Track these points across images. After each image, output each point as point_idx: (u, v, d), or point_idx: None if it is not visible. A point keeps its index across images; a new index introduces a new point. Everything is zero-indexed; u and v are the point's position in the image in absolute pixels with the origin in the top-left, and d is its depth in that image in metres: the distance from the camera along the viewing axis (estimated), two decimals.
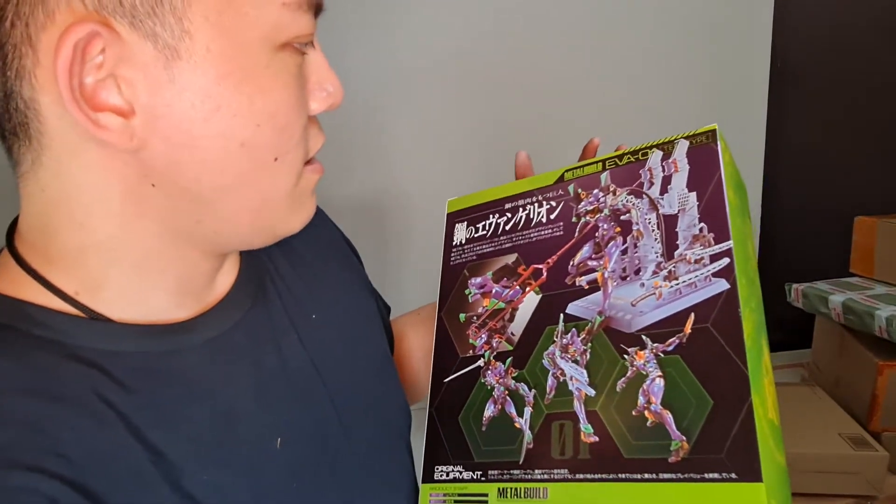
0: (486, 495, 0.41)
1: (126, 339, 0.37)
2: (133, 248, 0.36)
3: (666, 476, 0.35)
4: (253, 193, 0.36)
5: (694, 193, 0.42)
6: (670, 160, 0.44)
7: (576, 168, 0.49)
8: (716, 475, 0.34)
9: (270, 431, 0.41)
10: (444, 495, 0.43)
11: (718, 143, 0.43)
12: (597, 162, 0.48)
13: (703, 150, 0.43)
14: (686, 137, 0.44)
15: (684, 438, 0.35)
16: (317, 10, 0.36)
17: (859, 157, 2.12)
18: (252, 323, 0.43)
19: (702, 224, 0.41)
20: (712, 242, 0.40)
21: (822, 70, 2.07)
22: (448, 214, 0.56)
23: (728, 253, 0.39)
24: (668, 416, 0.36)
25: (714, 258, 0.39)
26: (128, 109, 0.32)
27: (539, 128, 2.01)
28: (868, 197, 2.05)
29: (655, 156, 0.45)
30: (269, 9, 0.33)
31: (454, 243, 0.54)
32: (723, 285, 0.38)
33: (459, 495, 0.42)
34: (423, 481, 0.46)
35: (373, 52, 1.89)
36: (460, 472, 0.43)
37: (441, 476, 0.44)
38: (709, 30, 2.02)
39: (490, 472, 0.42)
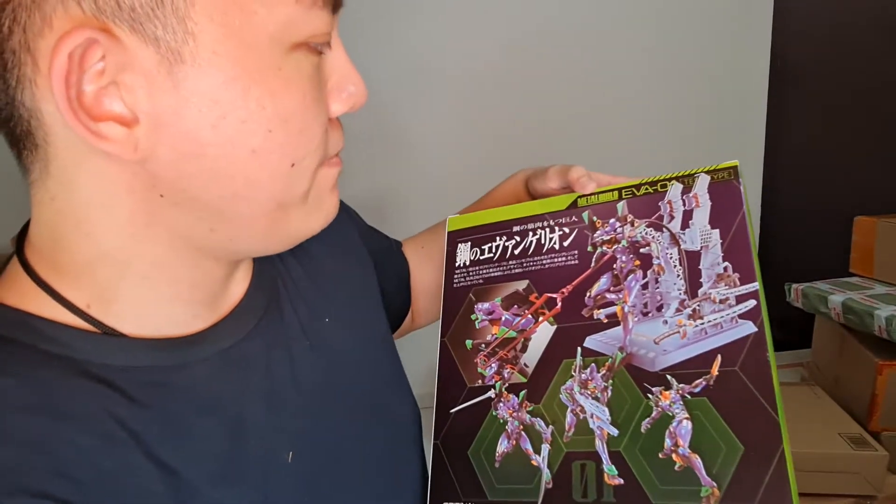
0: None
1: (137, 353, 0.36)
2: (143, 259, 0.35)
3: None
4: (267, 200, 0.34)
5: (717, 231, 0.41)
6: (691, 194, 0.43)
7: (589, 195, 0.48)
8: None
9: (282, 444, 0.40)
10: None
11: (741, 180, 0.43)
12: (612, 190, 0.47)
13: (726, 187, 0.43)
14: (707, 172, 0.44)
15: (715, 485, 0.35)
16: (335, 5, 0.34)
17: (859, 156, 2.12)
18: (264, 331, 0.42)
19: (726, 263, 0.40)
20: (738, 283, 0.39)
21: (822, 70, 2.07)
22: (449, 233, 0.53)
23: (754, 295, 0.38)
24: (698, 461, 0.35)
25: (740, 299, 0.38)
26: (131, 118, 0.30)
27: (541, 128, 2.01)
28: (868, 197, 2.05)
29: (675, 189, 0.44)
30: (281, 7, 0.31)
31: (457, 264, 0.51)
32: (750, 328, 0.37)
33: None
34: None
35: (375, 53, 1.89)
36: None
37: None
38: (709, 31, 2.02)
39: None
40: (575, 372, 0.42)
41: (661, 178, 0.45)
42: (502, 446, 0.42)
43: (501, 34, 1.94)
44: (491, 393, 0.44)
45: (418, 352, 1.99)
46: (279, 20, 0.31)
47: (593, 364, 0.41)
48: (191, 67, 0.30)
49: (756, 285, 0.39)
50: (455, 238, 0.53)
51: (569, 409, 0.41)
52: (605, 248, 0.45)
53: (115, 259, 0.34)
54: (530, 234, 0.49)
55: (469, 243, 0.52)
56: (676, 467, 0.36)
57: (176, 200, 0.33)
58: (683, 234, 0.42)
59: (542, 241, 0.48)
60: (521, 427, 0.42)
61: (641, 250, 0.43)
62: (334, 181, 0.39)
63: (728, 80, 2.04)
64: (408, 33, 1.89)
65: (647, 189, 0.45)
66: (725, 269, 0.40)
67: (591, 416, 0.40)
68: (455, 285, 0.51)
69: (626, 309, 0.42)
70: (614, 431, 0.39)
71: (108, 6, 0.28)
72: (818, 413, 1.60)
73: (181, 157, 0.31)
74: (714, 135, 2.07)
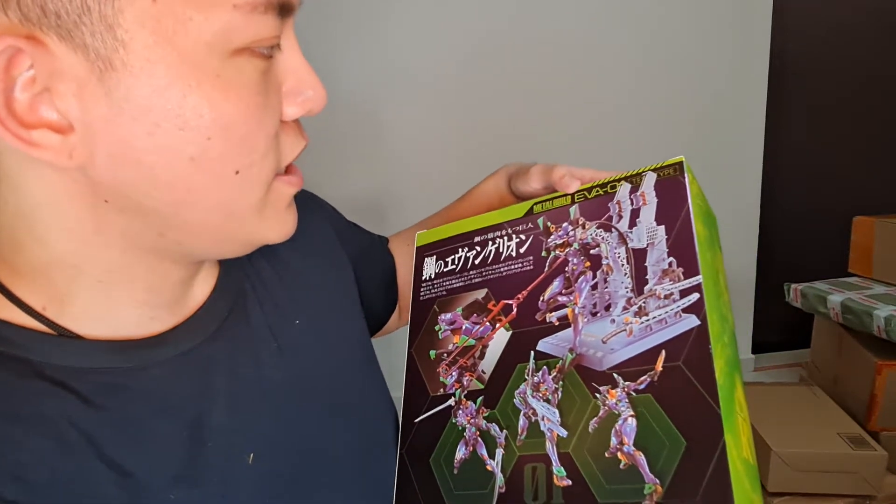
0: None
1: (94, 355, 0.35)
2: (96, 263, 0.34)
3: None
4: (212, 207, 0.34)
5: (663, 227, 0.41)
6: (638, 193, 0.43)
7: (545, 201, 0.48)
8: None
9: (243, 446, 0.40)
10: None
11: (686, 175, 0.42)
12: (566, 195, 0.47)
13: (671, 183, 0.42)
14: (654, 170, 0.43)
15: (657, 481, 0.34)
16: (283, 9, 0.32)
17: (858, 157, 2.12)
18: (228, 333, 0.41)
19: (671, 258, 0.40)
20: (681, 277, 0.39)
21: (821, 70, 2.07)
22: (417, 248, 0.54)
23: (697, 288, 0.38)
24: (642, 458, 0.35)
25: (684, 293, 0.38)
26: (66, 125, 0.29)
27: (539, 128, 2.01)
28: (866, 197, 2.06)
29: (624, 189, 0.44)
30: (218, 12, 0.29)
31: (423, 278, 0.52)
32: (693, 321, 0.37)
33: None
34: None
35: (371, 52, 1.89)
36: None
37: None
38: (708, 31, 2.02)
39: None
40: (528, 375, 0.42)
41: (611, 179, 0.45)
42: (460, 453, 0.42)
43: (500, 33, 1.94)
44: (451, 401, 0.45)
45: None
46: (216, 27, 0.30)
47: (545, 367, 0.41)
48: (122, 75, 0.29)
49: (699, 279, 0.38)
50: (422, 253, 0.54)
51: (521, 413, 0.41)
52: (557, 251, 0.45)
53: (67, 263, 0.34)
54: (490, 243, 0.49)
55: (434, 257, 0.52)
56: (622, 465, 0.36)
57: (121, 206, 0.33)
58: (631, 232, 0.42)
59: (501, 250, 0.48)
60: (478, 433, 0.42)
61: (592, 251, 0.43)
62: (290, 199, 0.39)
63: (727, 79, 2.04)
64: (400, 33, 1.90)
65: (597, 191, 0.45)
66: (670, 264, 0.40)
67: (543, 419, 0.40)
68: (421, 298, 0.51)
69: (576, 311, 0.42)
70: (563, 433, 0.38)
71: (34, 13, 0.27)
72: (817, 413, 1.61)
73: (119, 164, 0.31)
74: (713, 135, 2.07)
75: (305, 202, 0.45)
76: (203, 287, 0.42)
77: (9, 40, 0.27)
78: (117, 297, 0.36)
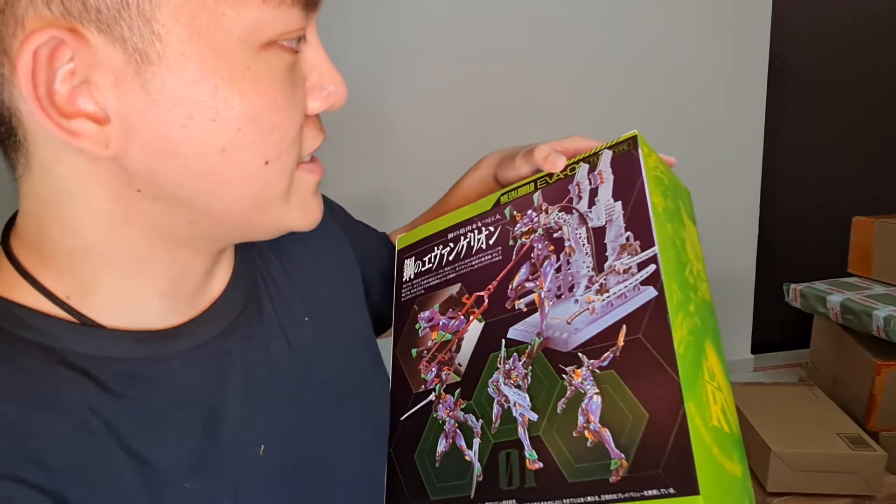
0: None
1: (115, 344, 0.36)
2: (123, 253, 0.35)
3: (608, 497, 0.34)
4: (242, 196, 0.35)
5: (619, 203, 0.41)
6: (596, 172, 0.43)
7: (510, 191, 0.48)
8: (655, 492, 0.32)
9: (254, 438, 0.40)
10: None
11: (640, 149, 0.42)
12: (529, 182, 0.47)
13: (625, 158, 0.42)
14: (609, 147, 0.43)
15: (623, 456, 0.34)
16: (308, 2, 0.33)
17: (857, 157, 2.13)
18: (242, 328, 0.42)
19: (628, 233, 0.40)
20: (639, 250, 0.39)
21: (820, 71, 2.07)
22: (398, 251, 0.55)
23: (654, 259, 0.38)
24: (607, 434, 0.35)
25: (641, 266, 0.38)
26: (103, 116, 0.31)
27: (538, 127, 2.02)
28: (866, 197, 2.06)
29: (582, 169, 0.44)
30: (248, 7, 0.31)
31: (404, 279, 0.53)
32: (650, 293, 0.37)
33: None
34: None
35: (374, 51, 1.89)
36: None
37: None
38: (708, 32, 2.02)
39: None
40: (500, 364, 0.42)
41: (570, 161, 0.46)
42: (441, 446, 0.43)
43: (500, 33, 1.94)
44: (432, 396, 0.45)
45: None
46: (247, 21, 0.31)
47: (515, 353, 0.42)
48: (158, 68, 0.30)
49: (655, 250, 0.38)
50: (402, 255, 0.54)
51: (495, 401, 0.41)
52: (523, 239, 0.45)
53: (95, 252, 0.35)
54: (462, 238, 0.50)
55: (413, 258, 0.53)
56: (588, 444, 0.36)
57: (153, 196, 0.34)
58: (590, 211, 0.42)
59: (472, 244, 0.49)
60: (457, 425, 0.43)
61: (555, 235, 0.43)
62: (315, 186, 0.40)
63: (727, 80, 2.04)
64: (404, 32, 1.90)
65: (558, 175, 0.46)
66: (628, 238, 0.40)
67: (514, 405, 0.40)
68: (402, 299, 0.52)
69: (542, 295, 0.42)
70: (534, 416, 0.39)
71: (76, 7, 0.29)
72: (816, 413, 1.61)
73: (153, 154, 0.32)
74: (713, 135, 2.07)
75: None
76: (220, 281, 0.43)
77: (52, 32, 0.28)
78: (141, 287, 0.37)
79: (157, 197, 0.34)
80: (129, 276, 0.36)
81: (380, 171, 2.00)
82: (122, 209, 0.34)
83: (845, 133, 2.10)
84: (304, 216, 0.39)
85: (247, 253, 0.46)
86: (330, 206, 0.58)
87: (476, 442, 0.41)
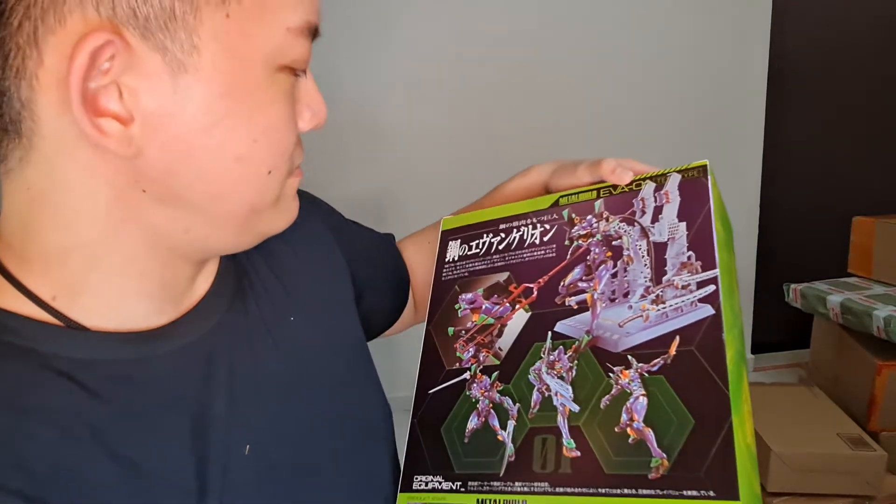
0: None
1: (101, 347, 0.36)
2: (116, 253, 0.36)
3: (645, 492, 0.35)
4: (243, 202, 0.37)
5: (684, 223, 0.43)
6: (662, 191, 0.46)
7: (571, 194, 0.50)
8: (694, 493, 0.34)
9: (240, 438, 0.41)
10: None
11: (709, 178, 0.44)
12: (591, 190, 0.49)
13: (694, 184, 0.45)
14: (679, 171, 0.46)
15: (665, 456, 0.36)
16: (315, 34, 0.37)
17: (857, 157, 2.13)
18: (227, 328, 0.43)
19: (690, 252, 0.42)
20: (699, 270, 0.41)
21: (820, 71, 2.08)
22: (442, 232, 0.57)
23: (714, 280, 0.40)
24: (650, 434, 0.37)
25: (700, 285, 0.40)
26: (127, 117, 0.32)
27: (538, 128, 2.02)
28: (866, 197, 2.06)
29: (648, 187, 0.46)
30: (275, 32, 0.34)
31: (447, 260, 0.54)
32: (708, 310, 0.39)
33: None
34: (401, 490, 0.45)
35: (373, 56, 1.89)
36: (440, 483, 0.43)
37: (420, 486, 0.44)
38: (708, 31, 2.02)
39: (470, 483, 0.42)
40: (544, 354, 0.43)
41: (637, 178, 0.48)
42: (472, 423, 0.44)
43: (499, 34, 1.94)
44: (466, 375, 0.47)
45: (411, 355, 2.00)
46: (272, 44, 0.34)
47: (561, 346, 0.43)
48: (191, 77, 0.32)
49: (716, 272, 0.40)
50: (447, 237, 0.56)
51: (535, 388, 0.42)
52: (580, 241, 0.47)
53: (88, 251, 0.35)
54: (514, 230, 0.52)
55: (459, 241, 0.55)
56: (630, 440, 0.37)
57: (158, 197, 0.35)
58: (653, 227, 0.45)
59: (525, 237, 0.50)
60: (491, 405, 0.44)
61: (613, 242, 0.45)
62: (295, 190, 0.43)
63: (726, 80, 2.04)
64: (402, 36, 1.90)
65: (623, 188, 0.48)
66: (689, 258, 0.42)
67: (556, 394, 0.41)
68: (443, 279, 0.53)
69: (595, 296, 0.44)
70: (575, 408, 0.40)
71: (125, 13, 0.30)
72: (817, 413, 1.61)
73: (171, 156, 0.33)
74: (713, 135, 2.07)
75: (300, 202, 0.46)
76: (204, 282, 0.43)
77: (107, 35, 0.30)
78: (129, 288, 0.37)
79: (162, 198, 0.35)
80: (120, 276, 0.37)
81: (377, 175, 1.99)
82: (123, 208, 0.34)
83: (845, 133, 2.10)
84: (284, 217, 0.42)
85: (232, 255, 0.46)
86: (316, 205, 0.59)
87: (511, 424, 0.42)
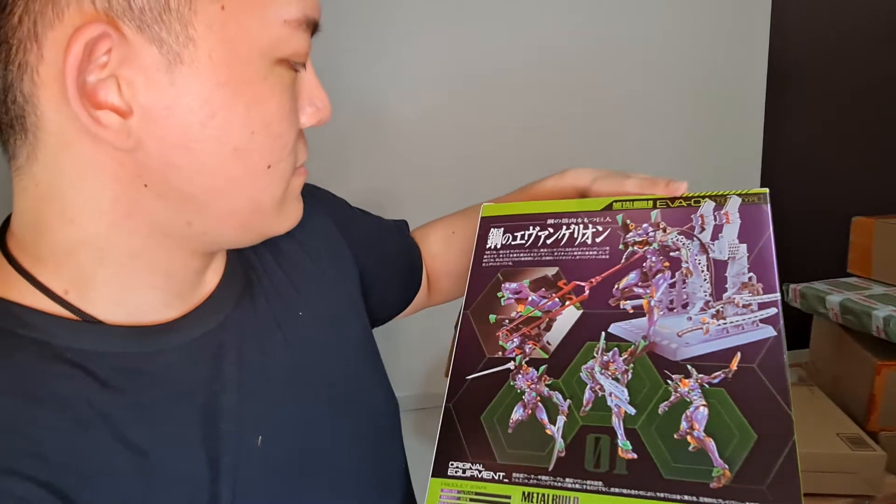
0: (508, 497, 0.41)
1: (112, 339, 0.37)
2: (122, 247, 0.36)
3: (706, 500, 0.36)
4: (244, 197, 0.37)
5: (745, 245, 0.45)
6: (722, 212, 0.47)
7: (625, 201, 0.51)
8: None
9: (252, 430, 0.41)
10: (459, 492, 0.42)
11: (769, 205, 0.46)
12: (647, 199, 0.51)
13: (756, 209, 0.46)
14: (739, 195, 0.48)
15: (727, 467, 0.36)
16: (314, 28, 0.37)
17: (857, 157, 2.13)
18: (236, 322, 0.44)
19: (751, 273, 0.43)
20: (761, 292, 0.42)
21: (820, 72, 2.08)
22: (483, 218, 0.57)
23: (775, 304, 0.41)
24: (711, 444, 0.37)
25: (762, 306, 0.41)
26: (126, 109, 0.32)
27: (538, 128, 2.02)
28: (865, 197, 2.06)
29: (707, 205, 0.48)
30: (272, 25, 0.34)
31: (488, 246, 0.54)
32: (770, 332, 0.40)
33: (477, 494, 0.41)
34: (434, 475, 0.44)
35: (374, 56, 1.89)
36: (479, 471, 0.42)
37: (456, 472, 0.43)
38: (707, 32, 2.02)
39: (515, 474, 0.41)
40: (597, 353, 0.43)
41: (695, 195, 0.49)
42: (517, 414, 0.44)
43: (498, 35, 1.94)
44: (510, 364, 0.46)
45: (418, 353, 2.00)
46: (269, 36, 0.34)
47: (616, 348, 0.43)
48: (188, 68, 0.32)
49: (777, 296, 0.41)
50: (488, 223, 0.56)
51: (588, 387, 0.42)
52: (636, 248, 0.48)
53: (95, 246, 0.36)
54: (564, 227, 0.52)
55: (502, 229, 0.55)
56: (690, 448, 0.38)
57: (159, 191, 0.35)
58: (713, 244, 0.46)
59: (576, 235, 0.51)
60: (539, 398, 0.44)
61: (672, 254, 0.47)
62: (300, 190, 0.43)
63: (726, 81, 2.04)
64: (404, 34, 1.90)
65: (680, 202, 0.49)
66: (750, 279, 0.43)
67: (610, 395, 0.42)
68: (484, 265, 0.53)
69: (652, 303, 0.45)
70: (632, 410, 0.40)
71: (120, 6, 0.31)
72: (816, 413, 1.61)
73: (169, 148, 0.34)
74: (713, 135, 2.07)
75: (304, 195, 0.47)
76: (213, 277, 0.44)
77: (101, 26, 0.30)
78: (137, 282, 0.38)
79: (163, 193, 0.35)
80: (126, 270, 0.37)
81: (379, 172, 1.99)
82: (126, 203, 0.35)
83: (845, 133, 2.11)
84: (289, 218, 0.42)
85: (241, 249, 0.46)
86: (321, 197, 0.59)
87: (561, 419, 0.42)
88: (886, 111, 2.11)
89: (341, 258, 0.56)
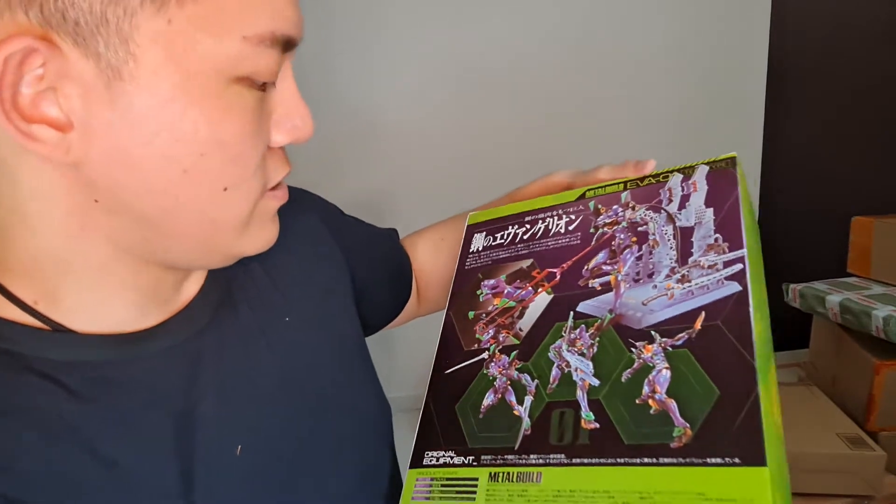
0: (476, 479, 0.40)
1: (84, 349, 0.36)
2: (85, 261, 0.35)
3: (666, 461, 0.35)
4: (200, 218, 0.35)
5: (711, 209, 0.44)
6: (690, 181, 0.46)
7: (598, 188, 0.52)
8: (718, 459, 0.33)
9: (231, 439, 0.41)
10: (431, 480, 0.42)
11: (737, 168, 0.45)
12: (618, 183, 0.51)
13: (722, 174, 0.46)
14: (706, 163, 0.47)
15: (688, 425, 0.35)
16: (287, 45, 0.35)
17: (856, 157, 2.13)
18: (216, 330, 0.43)
19: (717, 235, 0.42)
20: (726, 250, 0.41)
21: (819, 71, 2.08)
22: (468, 226, 0.57)
23: (741, 259, 0.40)
24: (673, 405, 0.37)
25: (727, 264, 0.40)
26: (66, 123, 0.31)
27: (538, 128, 2.01)
28: (865, 197, 2.06)
29: (675, 178, 0.47)
30: (228, 41, 0.32)
31: (471, 250, 0.55)
32: (735, 287, 0.39)
33: (448, 479, 0.41)
34: (411, 466, 0.44)
35: (370, 58, 1.89)
36: (451, 458, 0.42)
37: (430, 461, 0.43)
38: (707, 31, 2.02)
39: (483, 457, 0.41)
40: (565, 332, 0.44)
41: (664, 171, 0.49)
42: (488, 400, 0.44)
43: (495, 35, 1.94)
44: (484, 355, 0.46)
45: (413, 354, 2.00)
46: (225, 54, 0.32)
47: (583, 325, 0.43)
48: (129, 86, 0.31)
49: (743, 251, 0.40)
50: (472, 230, 0.57)
51: (555, 365, 0.43)
52: (605, 229, 0.48)
53: (57, 258, 0.35)
54: (540, 221, 0.52)
55: (484, 233, 0.56)
56: (652, 411, 0.37)
57: (110, 208, 0.34)
58: (679, 213, 0.45)
59: (550, 227, 0.51)
60: (508, 382, 0.44)
61: (639, 229, 0.46)
62: (274, 212, 0.41)
63: (726, 80, 2.04)
64: (398, 37, 1.89)
65: (650, 180, 0.49)
66: (716, 239, 0.42)
67: (576, 370, 0.41)
68: (466, 268, 0.54)
69: (619, 277, 0.44)
70: (596, 382, 0.40)
71: (54, 18, 0.29)
72: (816, 413, 1.60)
73: (114, 166, 0.32)
74: (712, 135, 2.07)
75: (295, 200, 0.46)
76: (193, 285, 0.43)
77: (26, 40, 0.29)
78: (107, 293, 0.37)
79: (114, 209, 0.34)
80: (93, 282, 0.36)
81: (373, 176, 1.99)
82: (79, 218, 0.34)
83: (845, 133, 2.10)
84: (257, 240, 0.40)
85: None
86: (311, 202, 0.58)
87: (528, 399, 0.42)
88: (886, 111, 2.11)
89: (333, 263, 0.55)
